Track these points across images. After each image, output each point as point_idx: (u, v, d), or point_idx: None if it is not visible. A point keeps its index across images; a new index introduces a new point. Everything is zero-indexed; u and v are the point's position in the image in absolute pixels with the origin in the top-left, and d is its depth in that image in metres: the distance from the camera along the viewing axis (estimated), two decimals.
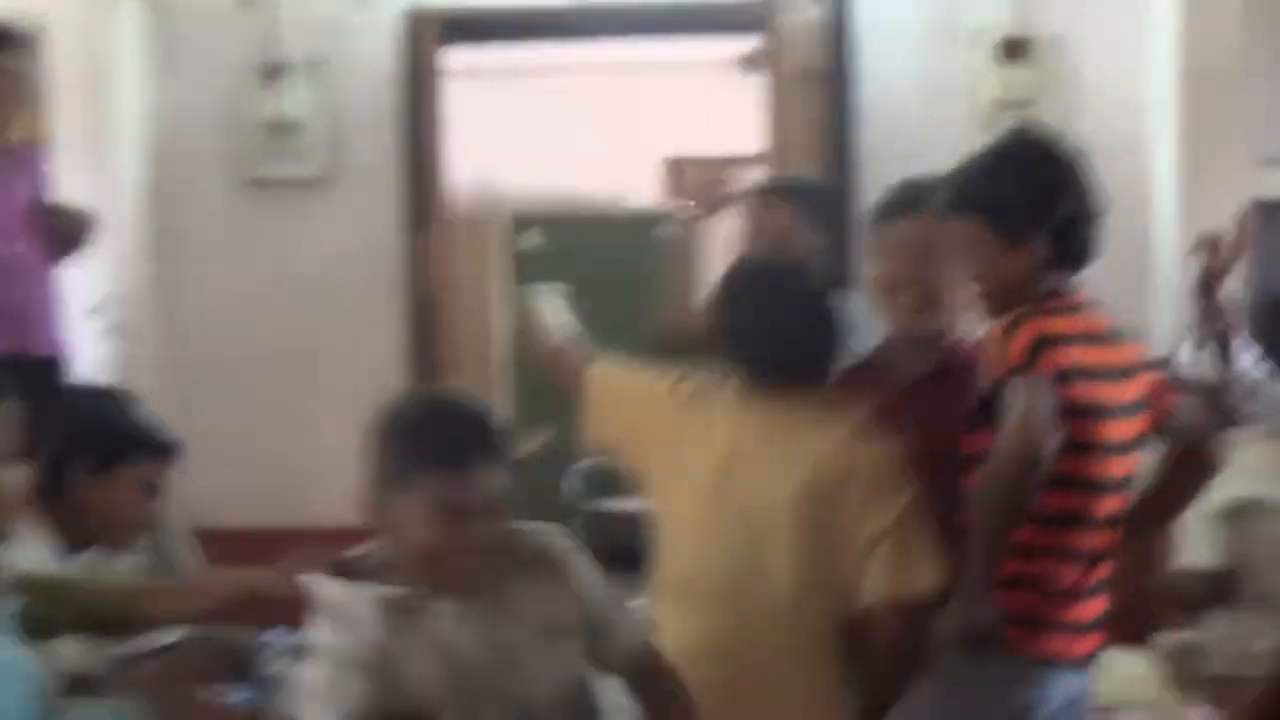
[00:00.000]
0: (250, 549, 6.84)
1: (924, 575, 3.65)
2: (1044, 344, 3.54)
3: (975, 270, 3.74)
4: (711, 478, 3.82)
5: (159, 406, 6.68)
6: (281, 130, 6.94)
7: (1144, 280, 6.50)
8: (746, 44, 6.70)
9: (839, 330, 3.85)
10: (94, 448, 4.53)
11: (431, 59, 6.79)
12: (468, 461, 3.12)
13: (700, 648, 3.71)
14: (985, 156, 3.80)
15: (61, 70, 6.66)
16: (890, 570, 3.68)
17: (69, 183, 6.59)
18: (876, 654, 3.69)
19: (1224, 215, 5.94)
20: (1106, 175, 6.62)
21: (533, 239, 10.17)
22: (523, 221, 10.13)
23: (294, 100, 6.91)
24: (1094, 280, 6.48)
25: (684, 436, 3.89)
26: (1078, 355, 3.59)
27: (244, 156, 7.00)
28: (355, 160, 7.00)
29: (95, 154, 6.71)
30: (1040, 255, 3.68)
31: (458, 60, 7.28)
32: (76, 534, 4.44)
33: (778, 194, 4.74)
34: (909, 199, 4.06)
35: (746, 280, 3.93)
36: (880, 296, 4.00)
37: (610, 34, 7.46)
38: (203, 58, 7.03)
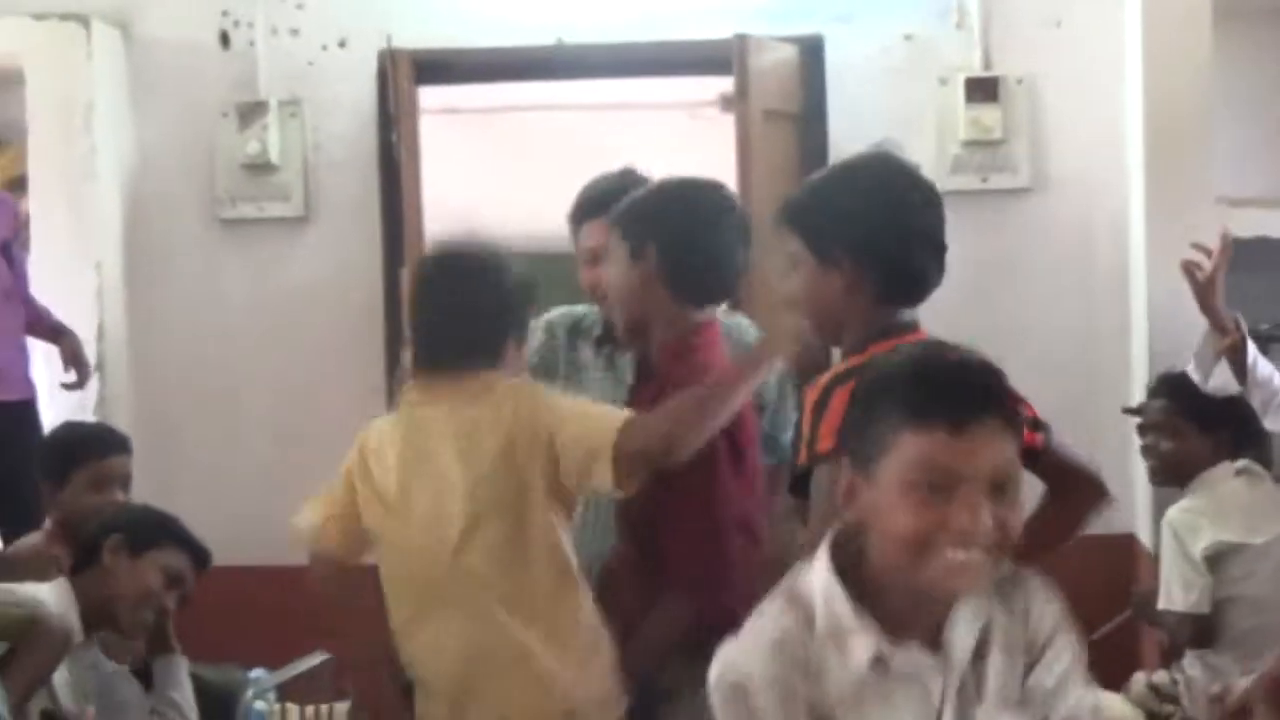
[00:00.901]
0: (227, 586, 6.91)
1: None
2: None
3: (794, 288, 3.53)
4: (396, 492, 4.02)
5: (139, 445, 6.76)
6: (258, 169, 6.97)
7: (1120, 316, 6.57)
8: (720, 84, 6.73)
9: (497, 310, 3.99)
10: (131, 528, 4.70)
11: (407, 98, 6.82)
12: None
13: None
14: (821, 174, 3.68)
15: (38, 109, 6.71)
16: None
17: (45, 221, 6.66)
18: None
19: (1189, 255, 6.05)
20: (1078, 213, 6.79)
21: None
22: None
23: (270, 139, 6.93)
24: (1070, 317, 6.60)
25: (367, 469, 4.13)
26: None
27: (221, 195, 7.03)
28: (332, 199, 7.04)
29: (72, 192, 6.73)
30: (851, 279, 3.42)
31: (435, 99, 7.32)
32: (95, 609, 4.56)
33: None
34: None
35: (424, 269, 4.24)
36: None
37: (584, 75, 7.49)
38: (179, 97, 7.06)
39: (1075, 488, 3.63)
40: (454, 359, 3.97)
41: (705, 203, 4.05)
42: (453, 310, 3.98)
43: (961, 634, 2.62)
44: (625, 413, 3.87)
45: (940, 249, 3.49)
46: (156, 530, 4.82)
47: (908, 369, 2.65)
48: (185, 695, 4.73)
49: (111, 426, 5.96)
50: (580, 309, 4.94)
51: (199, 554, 4.88)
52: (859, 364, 3.27)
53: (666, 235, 3.94)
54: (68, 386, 6.23)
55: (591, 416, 3.87)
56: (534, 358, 4.64)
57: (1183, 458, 5.44)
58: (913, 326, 3.48)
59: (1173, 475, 5.53)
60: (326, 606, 4.38)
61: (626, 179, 4.71)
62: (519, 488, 3.84)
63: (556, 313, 4.91)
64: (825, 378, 3.35)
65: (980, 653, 2.64)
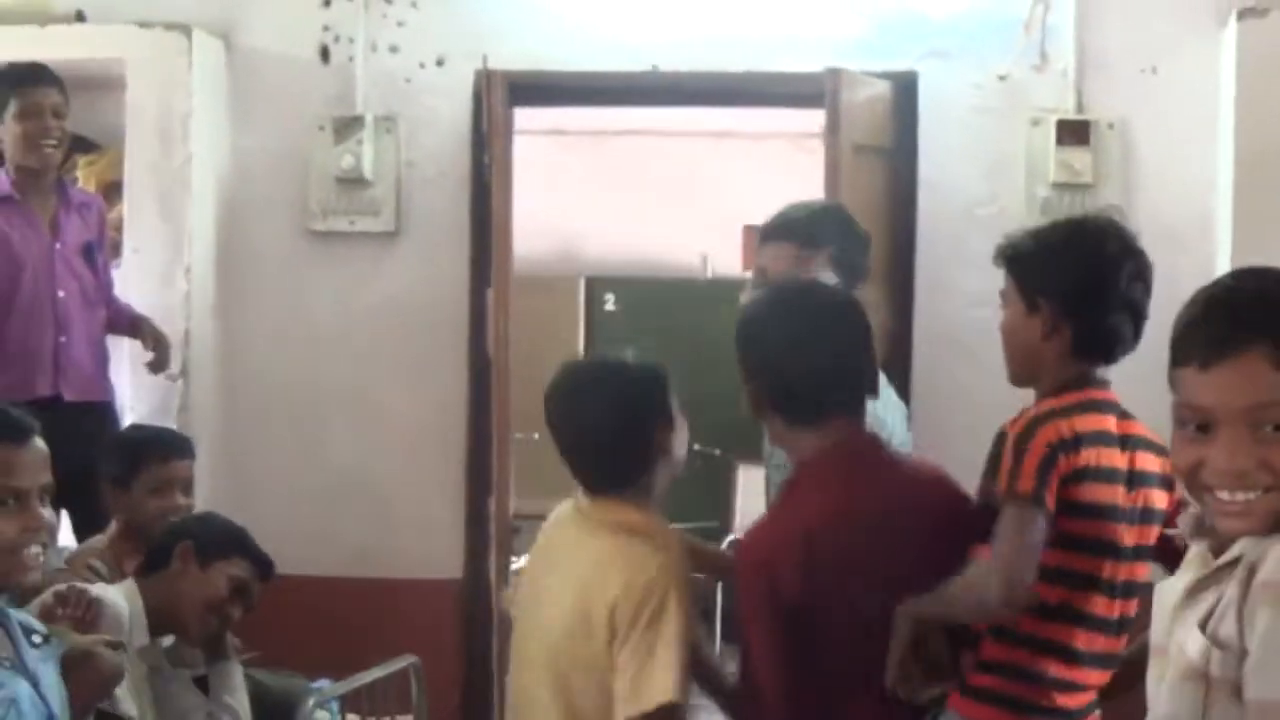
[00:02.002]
0: (307, 597, 7.00)
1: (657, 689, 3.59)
2: (1054, 456, 3.57)
3: (1003, 324, 3.86)
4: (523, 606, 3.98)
5: (219, 452, 6.85)
6: (351, 183, 7.03)
7: None
8: (813, 117, 6.74)
9: (640, 435, 3.79)
10: (202, 536, 4.78)
11: (501, 118, 6.86)
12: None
13: None
14: (1046, 226, 3.93)
15: (137, 115, 6.79)
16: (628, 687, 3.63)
17: (138, 226, 6.74)
18: None
19: None
20: (1167, 259, 6.70)
21: (609, 302, 10.21)
22: (599, 284, 10.17)
23: (364, 154, 6.99)
24: (1153, 365, 6.55)
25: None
26: (1090, 457, 3.62)
27: (313, 208, 7.09)
28: (422, 216, 7.08)
29: (166, 199, 6.80)
30: (1049, 329, 3.73)
31: (542, 120, 7.35)
32: (161, 612, 4.63)
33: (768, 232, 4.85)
34: None
35: (564, 382, 3.94)
36: None
37: (677, 102, 7.53)
38: (277, 109, 7.13)
39: None
40: (598, 481, 3.88)
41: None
42: (586, 433, 3.86)
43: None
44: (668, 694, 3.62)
45: (1140, 318, 3.77)
46: (226, 540, 4.89)
47: (1185, 309, 2.64)
48: (240, 700, 4.78)
49: (174, 430, 6.03)
50: None
51: (264, 566, 4.95)
52: (1061, 405, 3.63)
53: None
54: (151, 366, 6.31)
55: (647, 670, 3.63)
56: None
57: None
58: (1103, 383, 3.77)
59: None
60: None
61: (816, 207, 4.75)
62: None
63: None
64: (1029, 415, 3.63)
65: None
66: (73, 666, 3.57)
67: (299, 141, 7.09)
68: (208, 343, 6.98)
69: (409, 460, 7.02)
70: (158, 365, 6.33)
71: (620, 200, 10.12)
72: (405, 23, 7.10)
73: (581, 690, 3.72)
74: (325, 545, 6.98)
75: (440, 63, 7.08)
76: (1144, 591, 3.65)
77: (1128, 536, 3.68)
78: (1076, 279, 3.73)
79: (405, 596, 6.84)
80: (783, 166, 9.46)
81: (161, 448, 5.47)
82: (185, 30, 6.83)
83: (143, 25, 6.84)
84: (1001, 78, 6.80)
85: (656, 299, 10.21)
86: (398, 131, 7.07)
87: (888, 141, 6.84)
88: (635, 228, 10.27)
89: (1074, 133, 6.67)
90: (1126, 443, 3.72)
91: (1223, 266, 6.38)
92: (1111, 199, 6.65)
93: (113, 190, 6.85)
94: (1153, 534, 3.73)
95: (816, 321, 3.73)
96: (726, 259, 10.23)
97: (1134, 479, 3.70)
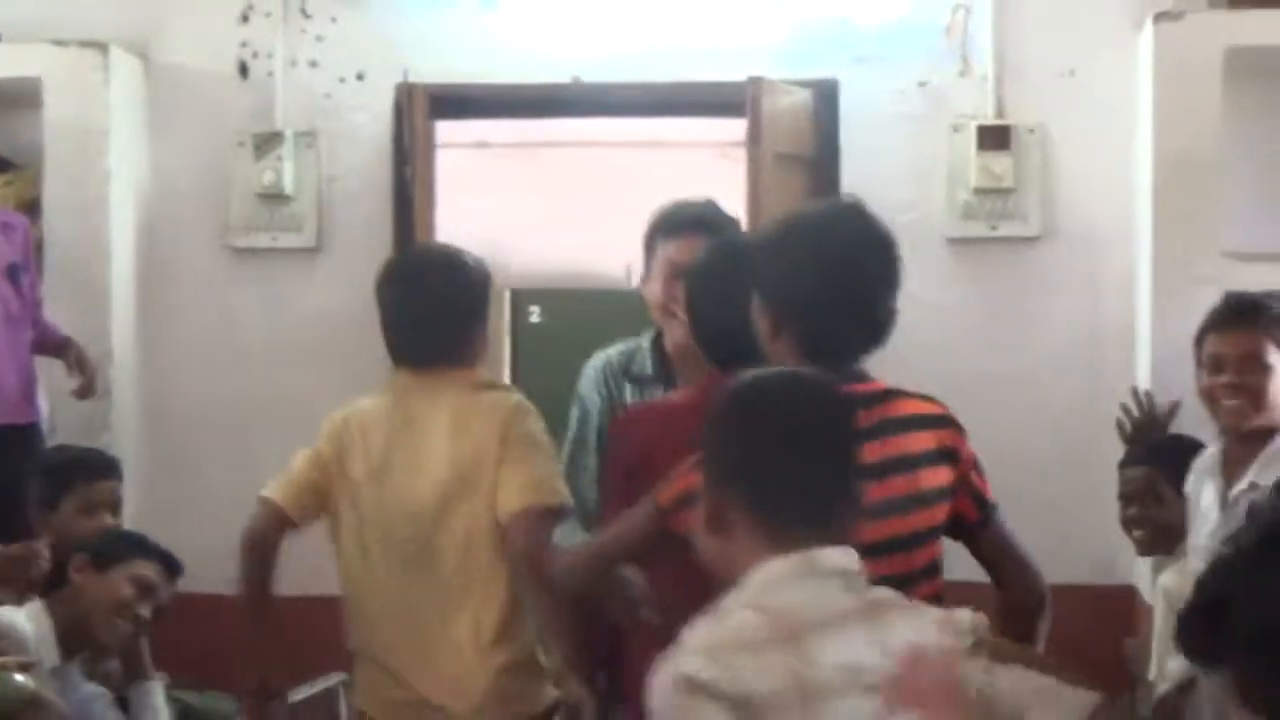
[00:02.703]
0: (232, 616, 6.93)
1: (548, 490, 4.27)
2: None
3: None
4: (372, 483, 4.45)
5: (144, 471, 6.80)
6: (272, 199, 7.00)
7: (1126, 367, 6.57)
8: (738, 126, 6.75)
9: (464, 312, 4.37)
10: (95, 547, 4.74)
11: (422, 132, 6.85)
12: None
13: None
14: (780, 222, 3.81)
15: (55, 133, 6.74)
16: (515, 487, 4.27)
17: (57, 245, 6.69)
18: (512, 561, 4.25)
19: (1197, 309, 6.06)
20: (1088, 262, 6.80)
21: (534, 314, 10.19)
22: (523, 296, 10.15)
23: (285, 170, 6.96)
24: (1075, 366, 6.61)
25: (344, 447, 4.54)
26: None
27: (234, 224, 7.06)
28: (344, 231, 7.06)
29: (86, 217, 6.75)
30: (776, 329, 3.57)
31: (466, 132, 7.34)
32: (70, 628, 4.58)
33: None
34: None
35: (391, 272, 4.58)
36: None
37: (599, 113, 7.53)
38: (196, 125, 7.09)
39: (1015, 580, 3.82)
40: (443, 357, 4.39)
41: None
42: (435, 312, 4.38)
43: None
44: (557, 492, 4.30)
45: (873, 312, 3.61)
46: (122, 544, 4.87)
47: None
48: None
49: (101, 450, 5.98)
50: (618, 350, 4.93)
51: (169, 563, 4.90)
52: None
53: None
54: (76, 393, 6.25)
55: (536, 472, 4.35)
56: (588, 397, 4.87)
57: (1170, 521, 5.37)
58: (858, 377, 3.59)
59: (1162, 543, 5.49)
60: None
61: (712, 206, 4.82)
62: (486, 479, 4.32)
63: (605, 357, 4.92)
64: None
65: None
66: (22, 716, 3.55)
67: (219, 158, 7.05)
68: (130, 362, 6.93)
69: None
70: (84, 391, 6.25)
71: (544, 212, 10.09)
72: (324, 38, 7.07)
73: (470, 525, 4.35)
74: None
75: (360, 77, 7.06)
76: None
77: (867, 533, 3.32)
78: (787, 282, 3.54)
79: (332, 614, 6.79)
80: (707, 176, 9.42)
81: (88, 468, 5.44)
82: (102, 47, 6.79)
83: (59, 43, 6.79)
84: (922, 84, 6.83)
85: (582, 310, 10.19)
86: (318, 147, 7.05)
87: (810, 149, 6.85)
88: (560, 239, 10.25)
89: (995, 138, 6.70)
90: (874, 432, 3.46)
91: (1143, 269, 6.44)
92: (1032, 203, 6.70)
93: (32, 209, 6.79)
94: (921, 518, 3.60)
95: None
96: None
97: (879, 470, 3.47)
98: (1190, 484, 5.01)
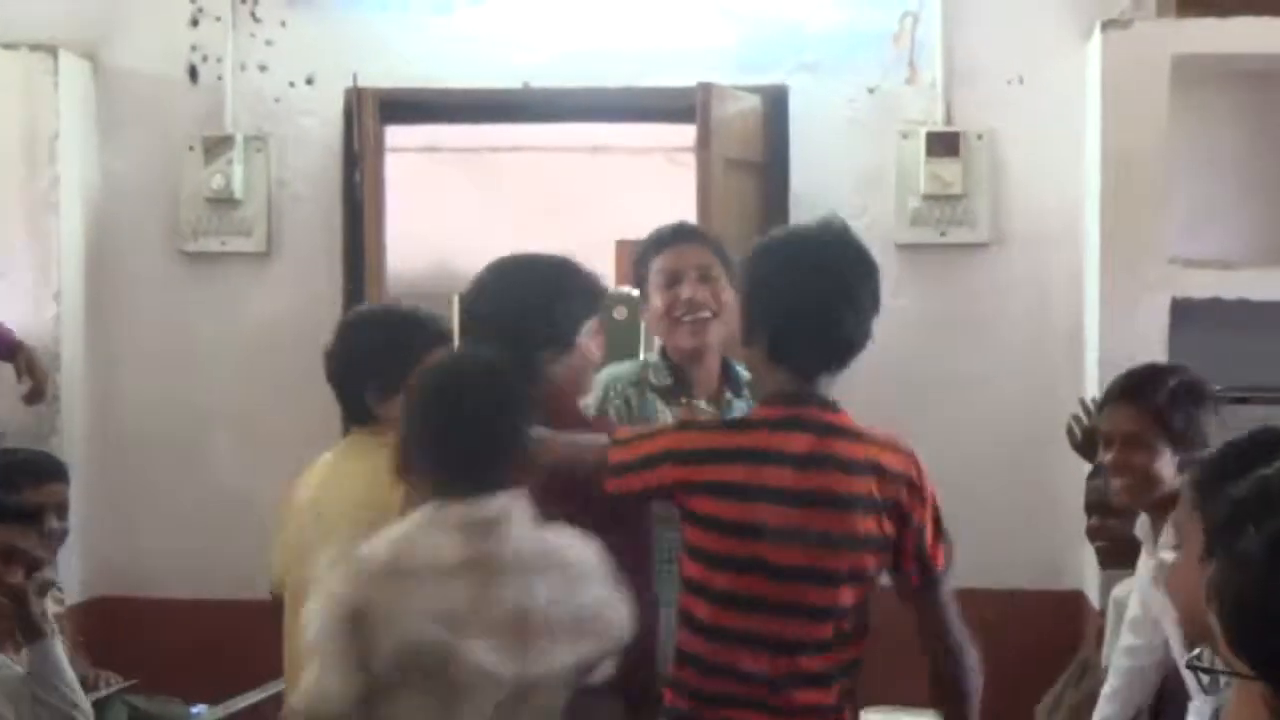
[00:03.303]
0: (184, 621, 6.93)
1: None
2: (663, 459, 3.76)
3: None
4: None
5: (93, 476, 6.78)
6: (222, 204, 6.98)
7: (1074, 372, 6.60)
8: (687, 131, 6.76)
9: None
10: None
11: (372, 137, 6.84)
12: None
13: None
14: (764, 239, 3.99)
15: (2, 138, 6.72)
16: None
17: (5, 250, 6.66)
18: None
19: (1144, 314, 6.11)
20: (1036, 268, 6.83)
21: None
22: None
23: (235, 174, 6.94)
24: (1024, 373, 6.64)
25: None
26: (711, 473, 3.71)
27: (184, 229, 7.03)
28: (295, 235, 7.04)
29: (34, 222, 6.72)
30: (750, 334, 3.79)
31: (415, 137, 7.33)
32: None
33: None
34: None
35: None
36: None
37: (550, 118, 7.53)
38: (146, 129, 7.06)
39: (940, 666, 3.89)
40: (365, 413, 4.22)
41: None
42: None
43: None
44: None
45: (832, 334, 3.73)
46: None
47: None
48: (66, 678, 4.58)
49: (48, 453, 5.96)
50: (627, 366, 4.97)
51: (20, 516, 4.86)
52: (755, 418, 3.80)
53: None
54: (26, 398, 6.22)
55: None
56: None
57: (1131, 536, 5.37)
58: (813, 400, 3.77)
59: (1123, 555, 5.50)
60: None
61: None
62: None
63: (612, 373, 4.87)
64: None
65: None
66: None
67: (168, 162, 7.03)
68: (79, 366, 6.90)
69: (286, 481, 6.96)
70: (33, 396, 6.22)
71: (494, 216, 10.09)
72: (274, 41, 7.05)
73: None
74: (202, 569, 6.92)
75: (310, 81, 7.05)
76: (808, 615, 3.71)
77: (781, 556, 3.66)
78: (761, 292, 3.76)
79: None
80: (656, 181, 9.46)
81: (34, 471, 5.41)
82: (51, 51, 6.77)
83: (8, 46, 6.76)
84: (871, 90, 6.85)
85: None
86: (268, 151, 7.03)
87: (759, 155, 6.87)
88: (509, 244, 10.22)
89: (944, 144, 6.72)
90: (810, 462, 3.69)
91: (1091, 275, 6.47)
92: (981, 209, 6.73)
93: None
94: (844, 559, 3.71)
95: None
96: (599, 274, 10.18)
97: (807, 498, 3.67)
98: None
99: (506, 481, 3.48)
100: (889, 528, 3.70)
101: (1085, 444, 5.70)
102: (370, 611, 3.35)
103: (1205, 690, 2.96)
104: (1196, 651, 2.71)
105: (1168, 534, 4.41)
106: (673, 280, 4.78)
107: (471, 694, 3.37)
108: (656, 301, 4.82)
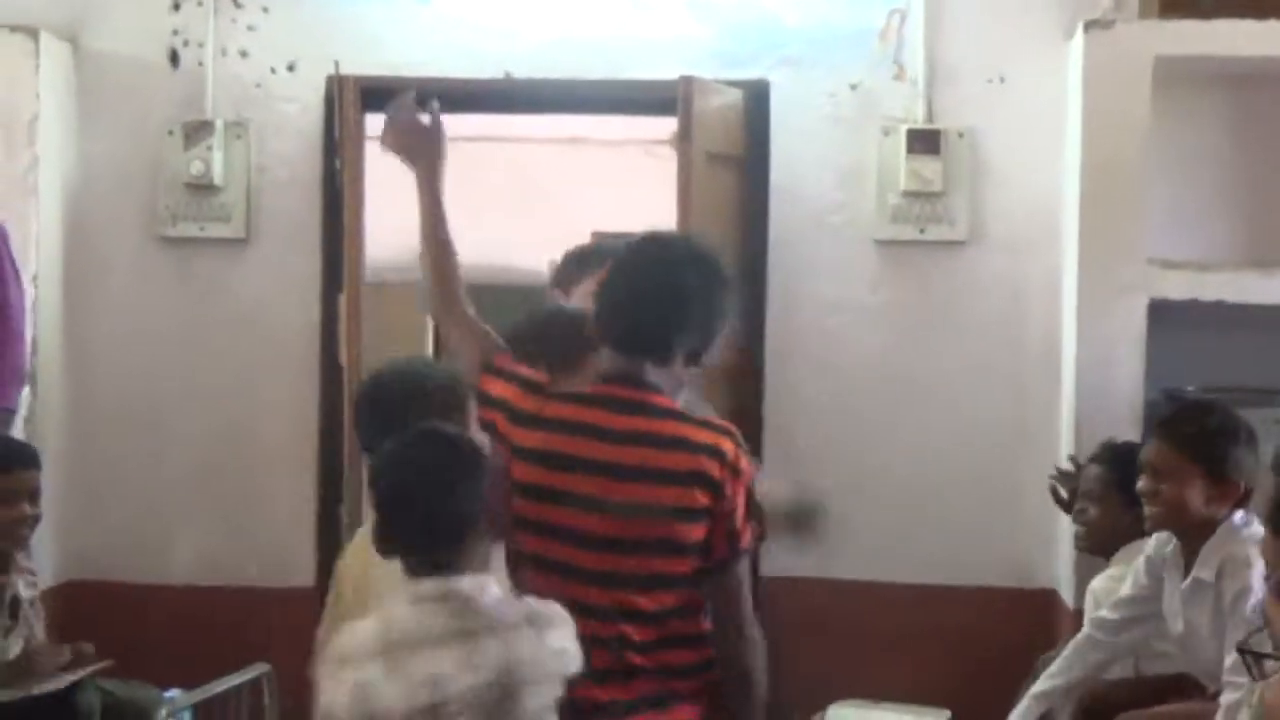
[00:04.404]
0: (158, 606, 6.92)
1: None
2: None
3: None
4: None
5: (67, 460, 6.76)
6: (201, 189, 6.97)
7: (1050, 371, 6.61)
8: (664, 124, 6.75)
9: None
10: None
11: (352, 125, 6.82)
12: None
13: None
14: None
15: None
16: None
17: None
18: None
19: (1121, 314, 6.12)
20: (1014, 266, 6.84)
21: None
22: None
23: (215, 160, 6.93)
24: (999, 371, 6.65)
25: None
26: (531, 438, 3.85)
27: (162, 213, 7.02)
28: (273, 222, 7.03)
29: (12, 204, 6.68)
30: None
31: (380, 125, 7.30)
32: None
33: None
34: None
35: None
36: None
37: (531, 109, 7.52)
38: (126, 113, 7.05)
39: (719, 643, 3.88)
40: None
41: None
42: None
43: None
44: None
45: (640, 330, 3.86)
46: None
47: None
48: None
49: (19, 440, 5.94)
50: None
51: None
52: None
53: None
54: None
55: None
56: None
57: (1109, 526, 5.50)
58: (629, 379, 3.86)
59: (1098, 544, 5.58)
60: None
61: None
62: None
63: None
64: None
65: None
66: None
67: (148, 146, 7.02)
68: (55, 350, 6.89)
69: (261, 468, 6.97)
70: None
71: (469, 206, 10.05)
72: (256, 27, 7.04)
73: None
74: (176, 553, 6.92)
75: (291, 68, 7.04)
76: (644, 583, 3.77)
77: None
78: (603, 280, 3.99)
79: (257, 605, 6.79)
80: (632, 174, 9.46)
81: (4, 458, 5.40)
82: (32, 33, 6.75)
83: None
84: (853, 87, 6.85)
85: (505, 306, 10.11)
86: (248, 137, 7.02)
87: (740, 149, 6.87)
88: (484, 234, 10.21)
89: (924, 142, 6.73)
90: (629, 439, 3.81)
91: (1069, 274, 6.48)
92: (961, 207, 6.74)
93: None
94: (658, 528, 3.79)
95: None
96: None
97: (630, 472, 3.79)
98: (1156, 567, 5.06)
99: (464, 562, 3.56)
100: (701, 499, 3.77)
101: (1072, 501, 5.77)
102: (372, 684, 3.44)
103: (1253, 676, 3.15)
104: (1248, 636, 3.03)
105: (1205, 558, 4.69)
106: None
107: None
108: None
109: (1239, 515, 4.74)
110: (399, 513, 3.59)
